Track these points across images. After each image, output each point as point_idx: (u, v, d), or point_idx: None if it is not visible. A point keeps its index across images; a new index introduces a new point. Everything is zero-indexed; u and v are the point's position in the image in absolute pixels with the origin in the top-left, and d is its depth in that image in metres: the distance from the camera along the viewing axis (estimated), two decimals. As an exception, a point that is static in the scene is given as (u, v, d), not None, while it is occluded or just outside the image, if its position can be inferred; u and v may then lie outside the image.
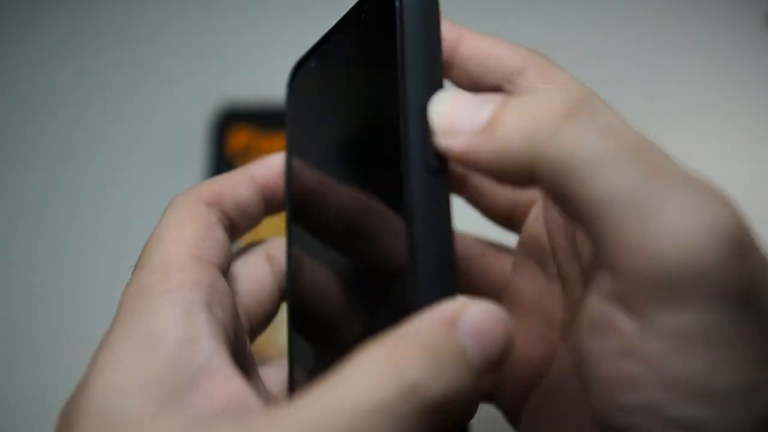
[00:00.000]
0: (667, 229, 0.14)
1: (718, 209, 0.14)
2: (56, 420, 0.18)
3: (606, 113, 0.16)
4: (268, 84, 0.46)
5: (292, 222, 0.24)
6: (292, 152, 0.24)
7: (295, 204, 0.24)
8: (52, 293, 0.49)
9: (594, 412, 0.17)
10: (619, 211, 0.15)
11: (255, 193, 0.23)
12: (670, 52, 0.62)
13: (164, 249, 0.20)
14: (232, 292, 0.21)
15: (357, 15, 0.22)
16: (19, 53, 0.63)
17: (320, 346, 0.22)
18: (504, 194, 0.24)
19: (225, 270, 0.21)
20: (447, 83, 0.21)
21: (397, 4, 0.19)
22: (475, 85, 0.22)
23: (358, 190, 0.21)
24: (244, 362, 0.21)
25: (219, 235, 0.21)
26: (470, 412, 0.16)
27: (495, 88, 0.22)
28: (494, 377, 0.16)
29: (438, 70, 0.19)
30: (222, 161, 0.53)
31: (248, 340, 0.22)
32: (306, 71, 0.24)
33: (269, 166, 0.24)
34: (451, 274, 0.18)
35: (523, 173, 0.16)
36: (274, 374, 0.24)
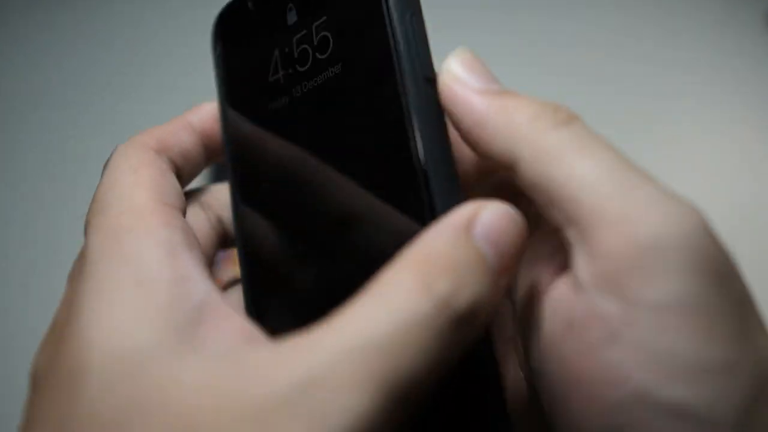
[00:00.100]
0: (647, 205, 0.15)
1: (686, 200, 0.16)
2: (30, 382, 0.17)
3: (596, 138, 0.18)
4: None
5: (234, 170, 0.23)
6: (229, 99, 0.23)
7: (238, 150, 0.23)
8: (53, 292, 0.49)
9: (575, 424, 0.16)
10: (600, 189, 0.16)
11: (196, 140, 0.23)
12: (670, 52, 0.62)
13: (124, 194, 0.19)
14: None
15: None
16: (20, 51, 0.63)
17: (278, 288, 0.22)
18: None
19: (184, 213, 0.20)
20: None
21: None
22: None
23: (321, 126, 0.21)
24: None
25: (173, 180, 0.21)
26: (490, 317, 0.16)
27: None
28: (510, 278, 0.16)
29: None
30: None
31: None
32: (239, 15, 0.23)
33: (205, 114, 0.23)
34: (457, 178, 0.19)
35: (505, 148, 0.17)
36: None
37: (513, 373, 0.20)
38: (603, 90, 0.57)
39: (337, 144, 0.20)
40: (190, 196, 0.23)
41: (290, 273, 0.21)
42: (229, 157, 0.23)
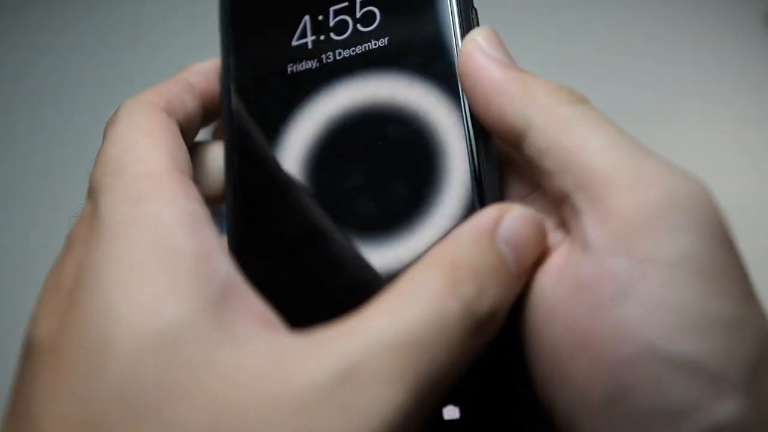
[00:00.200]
0: (657, 172, 0.16)
1: (689, 171, 0.17)
2: (27, 349, 0.16)
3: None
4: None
5: (240, 134, 0.22)
6: (237, 58, 0.23)
7: (246, 111, 0.22)
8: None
9: (578, 390, 0.16)
10: (613, 156, 0.17)
11: (198, 103, 0.22)
12: (670, 52, 0.62)
13: (142, 157, 0.17)
14: None
15: None
16: (22, 50, 0.63)
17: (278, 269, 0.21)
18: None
19: None
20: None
21: None
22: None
23: (358, 91, 0.21)
24: None
25: (184, 145, 0.19)
26: (504, 320, 0.16)
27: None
28: (525, 281, 0.16)
29: None
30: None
31: None
32: None
33: (202, 74, 0.23)
34: (499, 174, 0.20)
35: (520, 114, 0.18)
36: None
37: None
38: (601, 90, 0.57)
39: (376, 112, 0.21)
40: None
41: (295, 253, 0.21)
42: (230, 120, 0.22)
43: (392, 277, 0.19)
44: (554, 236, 0.18)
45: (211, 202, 0.23)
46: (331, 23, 0.22)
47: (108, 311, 0.14)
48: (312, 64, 0.22)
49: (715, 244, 0.16)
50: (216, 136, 0.25)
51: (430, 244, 0.19)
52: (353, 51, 0.22)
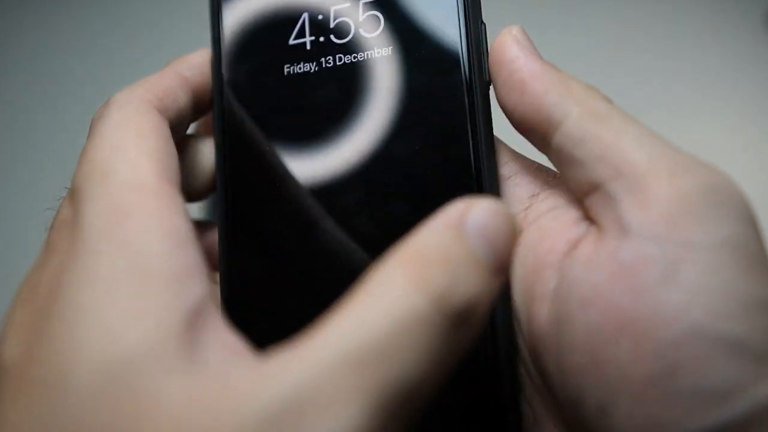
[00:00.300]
0: (691, 162, 0.17)
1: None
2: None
3: None
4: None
5: (230, 133, 0.22)
6: (229, 56, 0.22)
7: (239, 110, 0.22)
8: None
9: (618, 373, 0.16)
10: (650, 147, 0.17)
11: (190, 99, 0.21)
12: (670, 53, 0.62)
13: (130, 163, 0.17)
14: None
15: None
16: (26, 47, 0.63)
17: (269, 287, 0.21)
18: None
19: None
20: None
21: None
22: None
23: (360, 99, 0.21)
24: None
25: (174, 150, 0.19)
26: (486, 317, 0.16)
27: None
28: (505, 276, 0.16)
29: None
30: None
31: None
32: None
33: (197, 66, 0.22)
34: (498, 179, 0.21)
35: (557, 102, 0.18)
36: None
37: None
38: (602, 91, 0.57)
39: (382, 117, 0.21)
40: None
41: (288, 249, 0.20)
42: (222, 117, 0.22)
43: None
44: (577, 229, 0.19)
45: (198, 195, 0.23)
46: (331, 24, 0.22)
47: (71, 339, 0.14)
48: (310, 66, 0.21)
49: (752, 231, 0.16)
50: (200, 129, 0.25)
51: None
52: (355, 57, 0.21)
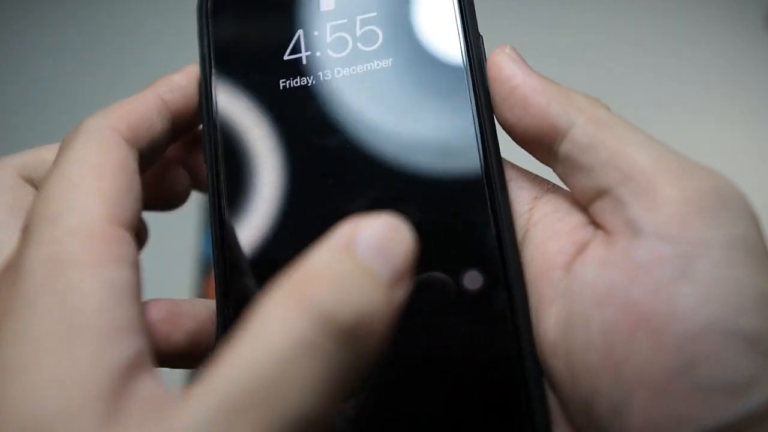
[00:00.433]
0: (695, 165, 0.18)
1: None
2: None
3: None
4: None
5: (225, 152, 0.21)
6: (221, 73, 0.22)
7: (232, 128, 0.21)
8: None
9: (637, 369, 0.16)
10: (655, 151, 0.18)
11: (167, 122, 0.21)
12: (670, 53, 0.62)
13: (80, 204, 0.17)
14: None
15: None
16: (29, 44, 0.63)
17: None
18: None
19: (135, 232, 0.18)
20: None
21: None
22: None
23: (361, 111, 0.21)
24: None
25: (137, 188, 0.18)
26: (387, 331, 0.15)
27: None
28: (405, 291, 0.15)
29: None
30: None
31: None
32: None
33: (181, 90, 0.22)
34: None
35: (563, 111, 0.19)
36: None
37: None
38: (602, 91, 0.57)
39: (383, 132, 0.21)
40: None
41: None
42: (211, 135, 0.21)
43: None
44: (583, 232, 0.19)
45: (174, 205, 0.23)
46: (329, 39, 0.22)
47: (2, 395, 0.14)
48: (306, 80, 0.21)
49: (756, 231, 0.17)
50: (171, 154, 0.24)
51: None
52: (353, 70, 0.21)
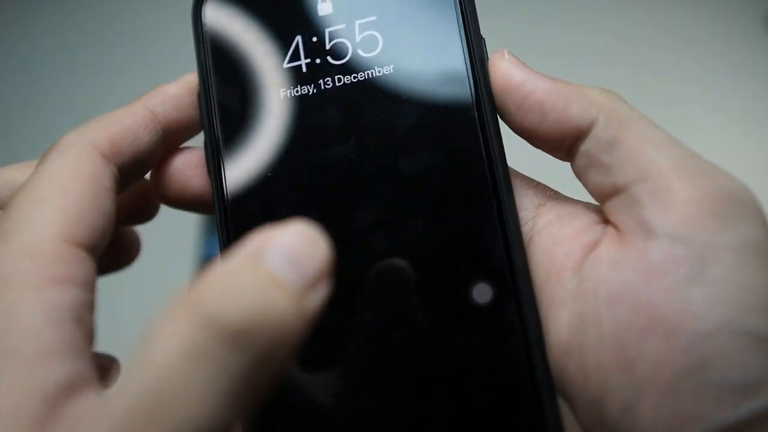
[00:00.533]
0: (711, 167, 0.18)
1: None
2: None
3: None
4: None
5: (228, 164, 0.21)
6: (220, 82, 0.22)
7: (236, 136, 0.21)
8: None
9: (648, 369, 0.17)
10: (673, 152, 0.18)
11: (155, 136, 0.20)
12: (669, 52, 0.62)
13: (38, 221, 0.17)
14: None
15: None
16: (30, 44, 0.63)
17: None
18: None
19: (101, 250, 0.18)
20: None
21: None
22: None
23: (365, 119, 0.21)
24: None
25: (107, 206, 0.18)
26: (294, 339, 0.14)
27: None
28: (321, 298, 0.15)
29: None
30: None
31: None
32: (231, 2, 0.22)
33: (174, 101, 0.21)
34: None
35: (583, 110, 0.19)
36: None
37: None
38: (602, 83, 0.57)
39: (388, 139, 0.21)
40: None
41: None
42: (215, 145, 0.21)
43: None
44: (592, 232, 0.19)
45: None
46: (328, 45, 0.22)
47: None
48: (308, 89, 0.21)
49: (765, 228, 0.17)
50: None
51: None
52: (355, 78, 0.21)
